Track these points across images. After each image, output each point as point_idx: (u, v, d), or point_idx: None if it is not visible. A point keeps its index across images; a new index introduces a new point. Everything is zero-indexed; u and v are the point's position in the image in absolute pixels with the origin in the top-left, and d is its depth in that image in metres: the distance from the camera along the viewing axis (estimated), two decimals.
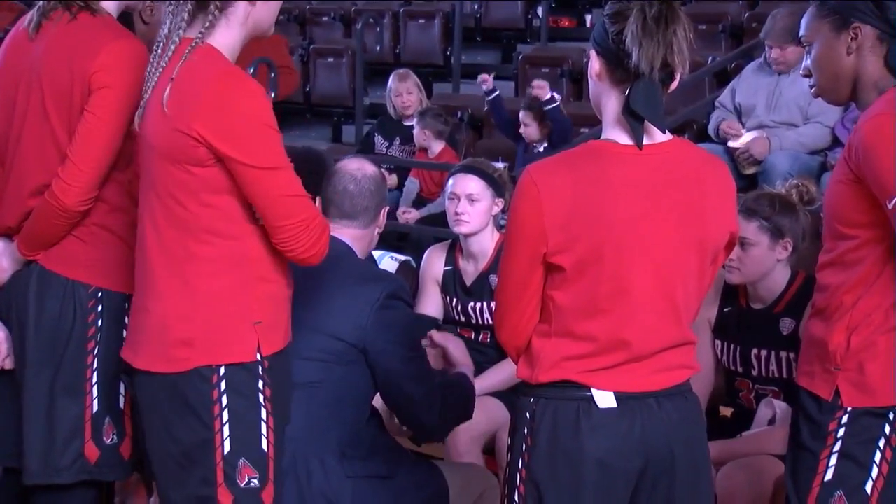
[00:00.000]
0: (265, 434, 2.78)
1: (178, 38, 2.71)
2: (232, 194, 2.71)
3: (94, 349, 3.14)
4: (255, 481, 2.77)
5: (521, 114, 6.94)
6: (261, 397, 2.77)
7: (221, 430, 2.74)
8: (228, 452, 2.75)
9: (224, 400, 2.74)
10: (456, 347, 3.60)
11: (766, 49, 6.18)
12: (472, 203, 4.07)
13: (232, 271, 2.75)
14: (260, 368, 2.77)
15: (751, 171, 6.04)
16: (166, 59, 2.71)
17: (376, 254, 5.07)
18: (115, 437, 3.18)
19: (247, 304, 2.76)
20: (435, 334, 3.62)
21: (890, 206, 2.50)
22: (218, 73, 2.68)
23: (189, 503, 2.80)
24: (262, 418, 2.78)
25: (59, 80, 3.06)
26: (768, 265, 3.59)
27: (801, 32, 2.79)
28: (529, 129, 6.89)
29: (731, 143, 6.16)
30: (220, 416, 2.74)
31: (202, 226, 2.72)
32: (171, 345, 2.75)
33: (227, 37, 2.74)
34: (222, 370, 2.74)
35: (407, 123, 7.56)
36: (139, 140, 2.82)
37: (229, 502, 2.76)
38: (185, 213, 2.72)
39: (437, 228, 6.18)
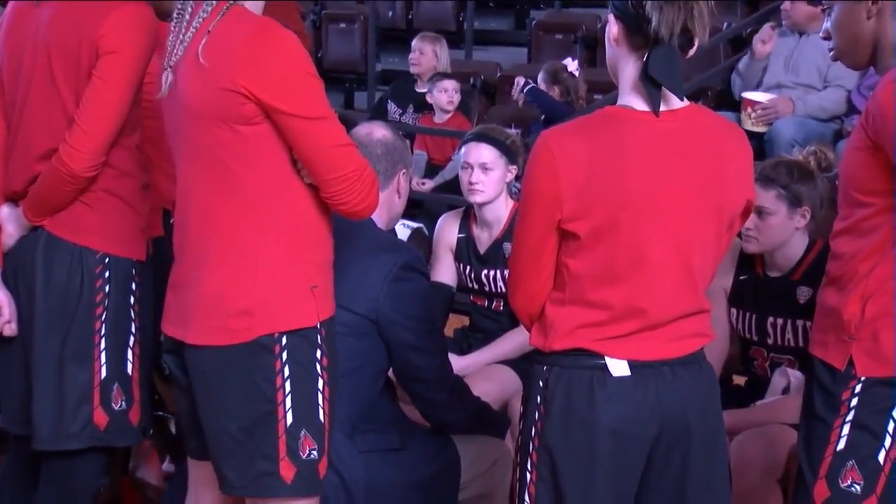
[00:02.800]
0: (321, 404, 2.73)
1: (191, 6, 2.66)
2: (280, 154, 2.65)
3: (101, 315, 3.13)
4: (315, 453, 2.72)
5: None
6: (318, 367, 2.72)
7: (284, 402, 2.68)
8: (291, 424, 2.69)
9: (286, 370, 2.68)
10: None
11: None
12: (485, 172, 4.05)
13: (286, 236, 2.69)
14: (318, 336, 2.71)
15: (759, 129, 5.99)
16: (197, 23, 2.64)
17: None
18: (123, 403, 3.18)
19: (303, 268, 2.71)
20: None
21: None
22: (255, 27, 2.63)
23: (250, 481, 2.73)
24: (319, 388, 2.72)
25: (66, 45, 3.04)
26: (786, 234, 3.56)
27: None
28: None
29: (754, 96, 6.10)
30: (283, 387, 2.68)
31: (252, 190, 2.66)
32: (229, 315, 2.67)
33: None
34: (284, 339, 2.67)
35: (420, 90, 7.53)
36: (168, 108, 2.74)
37: (292, 475, 2.71)
38: (233, 176, 2.66)
39: (451, 196, 6.17)
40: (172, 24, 2.70)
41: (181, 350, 2.77)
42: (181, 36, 2.67)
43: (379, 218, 3.29)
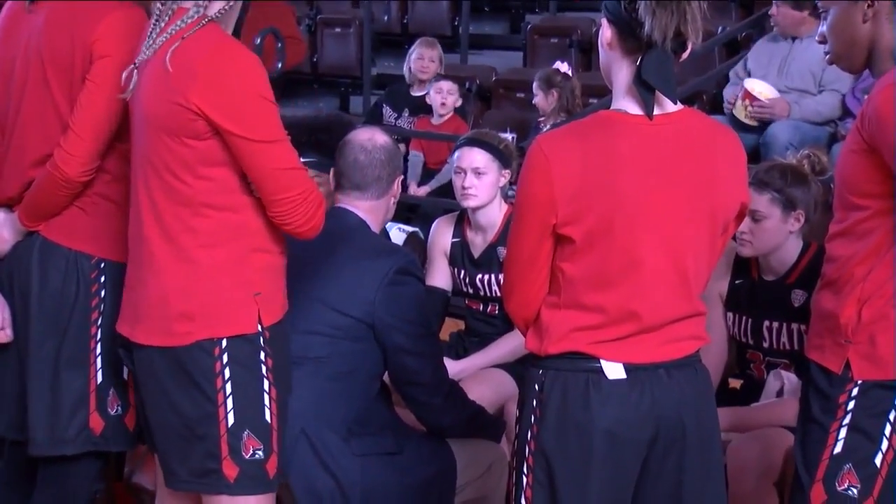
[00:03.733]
0: (268, 405, 2.78)
1: (172, 10, 2.69)
2: (229, 166, 2.70)
3: (97, 320, 3.13)
4: (260, 453, 2.77)
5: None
6: (263, 368, 2.77)
7: (225, 403, 2.73)
8: (233, 424, 2.74)
9: (227, 372, 2.73)
10: None
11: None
12: (478, 176, 4.04)
13: (231, 243, 2.74)
14: (261, 339, 2.76)
15: (750, 122, 5.99)
16: (174, 28, 2.68)
17: None
18: (119, 407, 3.18)
19: (246, 275, 2.76)
20: None
21: None
22: (213, 45, 2.67)
23: (193, 476, 2.80)
24: (264, 389, 2.77)
25: (60, 50, 3.04)
26: (780, 237, 3.56)
27: None
28: (538, 98, 6.84)
29: (755, 86, 6.10)
30: (224, 388, 2.73)
31: (200, 199, 2.71)
32: (171, 318, 2.74)
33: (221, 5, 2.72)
34: (224, 342, 2.73)
35: (416, 94, 7.52)
36: (131, 113, 2.80)
37: (234, 474, 2.76)
38: (182, 186, 2.71)
39: (446, 200, 6.16)
40: (150, 25, 2.73)
41: (131, 347, 2.83)
42: (154, 38, 2.71)
43: (374, 222, 3.30)
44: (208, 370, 2.73)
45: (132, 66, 2.75)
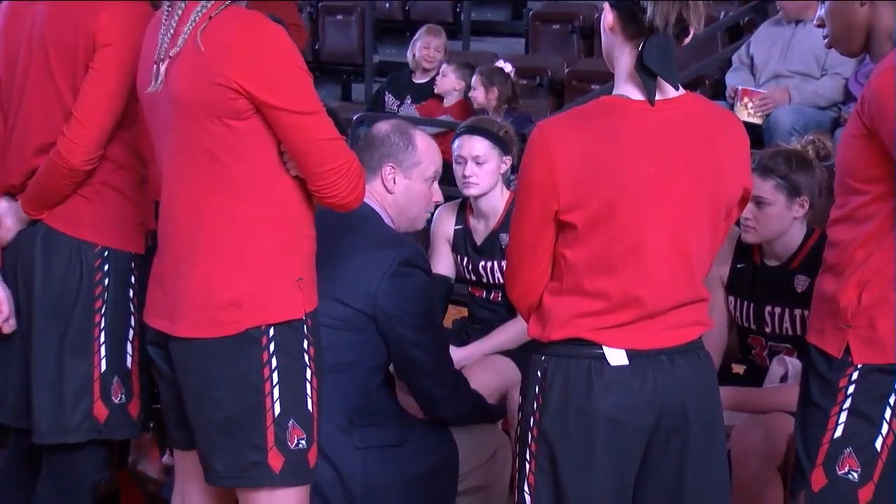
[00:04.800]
0: (310, 394, 2.75)
1: (205, 7, 2.66)
2: (269, 147, 2.67)
3: (101, 308, 3.14)
4: (303, 442, 2.74)
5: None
6: (306, 357, 2.74)
7: (272, 392, 2.69)
8: (279, 414, 2.70)
9: (274, 361, 2.69)
10: None
11: None
12: (479, 165, 4.04)
13: (274, 228, 2.71)
14: (305, 327, 2.74)
15: (755, 120, 5.98)
16: (195, 16, 2.65)
17: None
18: (123, 396, 3.18)
19: (290, 260, 2.73)
20: None
21: None
22: (243, 21, 2.64)
23: (237, 471, 2.74)
24: (307, 378, 2.74)
25: (63, 38, 3.04)
26: (785, 223, 3.56)
27: None
28: (476, 92, 6.80)
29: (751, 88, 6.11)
30: (271, 377, 2.69)
31: (241, 183, 2.68)
32: (218, 308, 2.68)
33: None
34: (271, 331, 2.69)
35: (418, 81, 7.52)
36: (157, 101, 2.74)
37: (280, 465, 2.72)
38: (223, 170, 2.67)
39: (448, 187, 6.15)
40: (163, 17, 2.71)
41: (166, 342, 2.78)
42: (173, 29, 2.68)
43: (389, 214, 3.30)
44: (255, 360, 2.68)
45: (156, 59, 2.70)
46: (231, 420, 2.71)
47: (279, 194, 2.71)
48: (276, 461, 2.72)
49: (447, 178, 5.80)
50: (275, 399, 2.70)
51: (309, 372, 2.74)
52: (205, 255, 2.71)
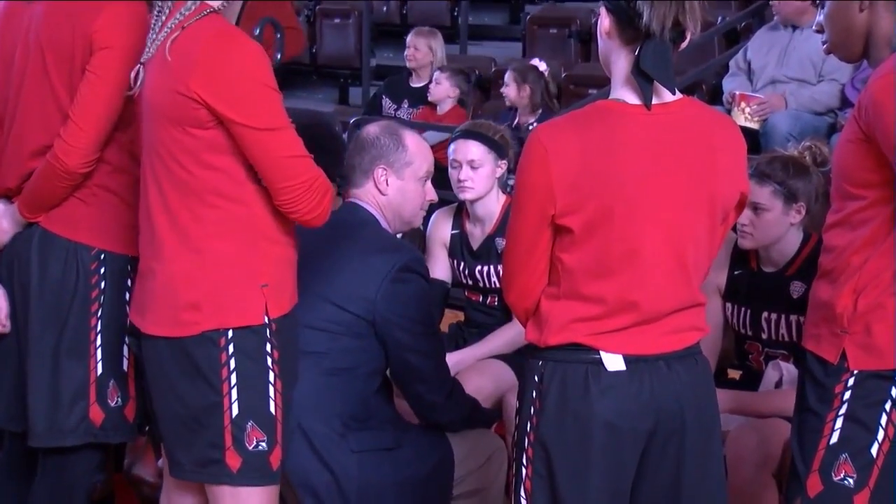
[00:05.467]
0: (273, 397, 2.78)
1: (170, 5, 2.69)
2: (235, 156, 2.70)
3: (97, 311, 3.14)
4: (263, 444, 2.77)
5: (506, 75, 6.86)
6: (269, 360, 2.77)
7: (230, 394, 2.74)
8: (237, 415, 2.74)
9: (232, 363, 2.73)
10: None
11: None
12: (474, 169, 4.04)
13: (238, 233, 2.74)
14: (268, 331, 2.76)
15: (752, 125, 5.99)
16: (173, 22, 2.69)
17: None
18: (119, 399, 3.18)
19: (254, 266, 2.76)
20: None
21: None
22: (213, 34, 2.67)
23: (197, 466, 2.80)
24: (269, 381, 2.77)
25: (60, 40, 3.04)
26: (782, 229, 3.56)
27: None
28: (509, 89, 6.78)
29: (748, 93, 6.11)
30: (229, 379, 2.73)
31: (206, 188, 2.71)
32: (179, 308, 2.74)
33: None
34: (230, 333, 2.73)
35: (415, 85, 7.52)
36: (139, 102, 2.80)
37: (237, 465, 2.76)
38: (189, 175, 2.71)
39: (443, 191, 6.14)
40: (152, 20, 2.73)
41: (138, 336, 2.84)
42: (156, 34, 2.72)
43: (385, 218, 3.30)
44: (214, 361, 2.73)
45: (139, 63, 2.75)
46: (191, 416, 2.77)
47: (245, 201, 2.74)
48: (233, 461, 2.76)
49: (444, 182, 5.80)
50: (232, 400, 2.74)
51: (272, 375, 2.77)
52: (169, 256, 2.75)
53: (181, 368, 2.76)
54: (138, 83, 2.76)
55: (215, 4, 2.73)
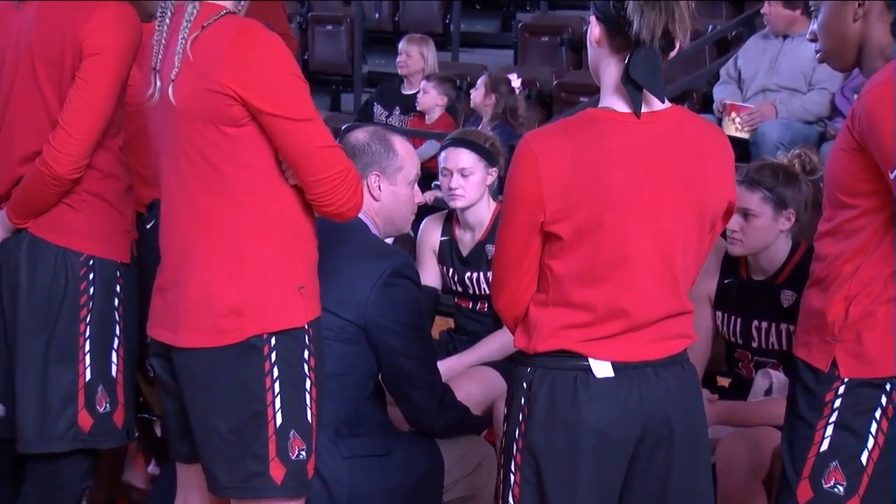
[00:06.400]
0: (309, 405, 2.74)
1: (195, 9, 2.66)
2: (266, 153, 2.66)
3: (86, 317, 3.13)
4: (304, 453, 2.73)
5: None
6: (306, 367, 2.73)
7: (273, 403, 2.68)
8: (281, 425, 2.69)
9: (275, 371, 2.68)
10: None
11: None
12: (464, 177, 4.04)
13: (274, 235, 2.69)
14: (306, 337, 2.72)
15: (742, 135, 6.00)
16: (187, 24, 2.65)
17: None
18: (108, 405, 3.18)
19: (290, 267, 2.71)
20: None
21: (892, 176, 2.48)
22: (237, 29, 2.64)
23: (240, 482, 2.72)
24: (307, 388, 2.73)
25: (49, 47, 3.04)
26: (771, 236, 3.56)
27: None
28: (477, 93, 6.76)
29: (738, 102, 6.13)
30: (272, 387, 2.68)
31: (240, 188, 2.67)
32: (218, 316, 2.67)
33: None
34: (273, 340, 2.68)
35: (406, 92, 7.53)
36: (157, 109, 2.73)
37: (281, 476, 2.71)
38: (221, 176, 2.66)
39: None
40: (156, 24, 2.71)
41: (168, 353, 2.76)
42: (164, 37, 2.68)
43: (375, 223, 3.29)
44: (258, 368, 2.67)
45: (152, 69, 2.70)
46: (233, 430, 2.70)
47: (278, 200, 2.70)
48: (277, 472, 2.71)
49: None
50: (276, 409, 2.69)
51: (308, 382, 2.73)
52: (203, 262, 2.69)
53: (222, 379, 2.69)
54: (155, 91, 2.69)
55: (229, 5, 2.70)
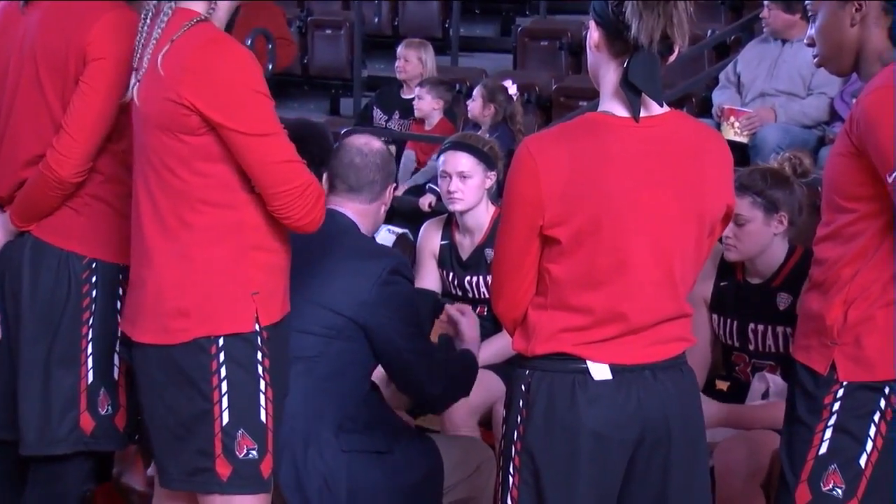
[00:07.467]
0: (264, 405, 2.78)
1: (170, 10, 2.70)
2: (226, 163, 2.71)
3: (88, 320, 3.14)
4: (254, 452, 2.78)
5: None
6: (259, 368, 2.77)
7: (220, 401, 2.74)
8: (227, 423, 2.75)
9: (223, 371, 2.73)
10: (468, 324, 3.55)
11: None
12: (463, 180, 4.05)
13: (228, 240, 2.74)
14: (259, 339, 2.76)
15: (741, 139, 6.00)
16: (159, 29, 2.70)
17: None
18: (109, 407, 3.19)
19: (243, 273, 2.75)
20: (450, 308, 3.58)
21: (890, 180, 2.49)
22: (204, 41, 2.68)
23: (186, 475, 2.80)
24: (260, 389, 2.77)
25: (53, 51, 3.05)
26: (765, 240, 3.57)
27: (807, 0, 2.78)
28: (475, 104, 6.77)
29: (737, 107, 6.13)
30: (219, 387, 2.73)
31: (196, 195, 2.72)
32: (168, 315, 2.74)
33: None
34: (221, 341, 2.73)
35: (406, 96, 7.53)
36: (132, 110, 2.81)
37: (228, 473, 2.76)
38: (179, 182, 2.72)
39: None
40: (139, 26, 2.74)
41: (130, 345, 2.84)
42: (143, 38, 2.73)
43: (364, 226, 3.31)
44: (204, 368, 2.73)
45: (133, 71, 2.76)
46: (181, 425, 2.77)
47: (237, 208, 2.74)
48: (223, 469, 2.76)
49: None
50: (223, 408, 2.74)
51: (263, 383, 2.77)
52: (159, 264, 2.76)
53: (170, 376, 2.76)
54: (131, 91, 2.76)
55: (200, 8, 2.73)
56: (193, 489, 2.83)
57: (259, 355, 2.77)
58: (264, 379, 2.78)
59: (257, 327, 2.76)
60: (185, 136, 2.68)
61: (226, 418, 2.75)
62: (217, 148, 2.69)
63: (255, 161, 2.69)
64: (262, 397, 2.78)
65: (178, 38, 2.68)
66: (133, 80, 2.76)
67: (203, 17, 2.72)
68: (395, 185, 3.40)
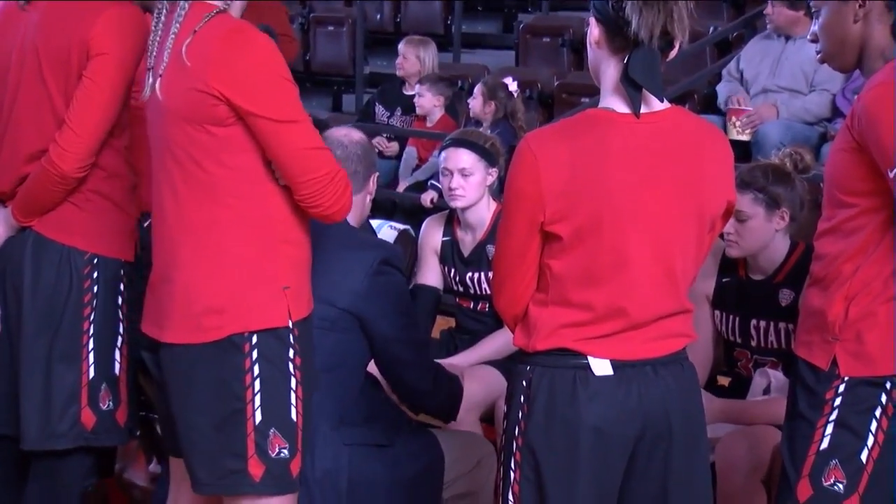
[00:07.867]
0: (294, 403, 2.74)
1: (187, 4, 2.69)
2: (252, 154, 2.68)
3: (90, 315, 3.15)
4: (285, 451, 2.74)
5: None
6: (290, 366, 2.74)
7: (253, 400, 2.70)
8: (260, 422, 2.71)
9: (256, 369, 2.70)
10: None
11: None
12: (465, 177, 4.05)
13: (256, 234, 2.71)
14: (291, 336, 2.73)
15: (744, 137, 6.00)
16: (177, 24, 2.68)
17: (374, 223, 5.06)
18: (110, 403, 3.19)
19: (274, 268, 2.72)
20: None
21: (891, 175, 2.49)
22: (227, 30, 2.66)
23: (218, 479, 2.75)
24: (292, 387, 2.74)
25: (56, 46, 3.05)
26: (766, 237, 3.57)
27: None
28: (475, 102, 6.76)
29: (739, 105, 6.13)
30: (252, 385, 2.70)
31: (224, 188, 2.69)
32: (200, 314, 2.70)
33: None
34: (254, 338, 2.70)
35: (407, 93, 7.53)
36: (149, 106, 2.77)
37: (260, 473, 2.73)
38: (206, 175, 2.69)
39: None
40: (152, 24, 2.72)
41: (158, 348, 2.79)
42: (159, 36, 2.70)
43: (352, 218, 3.31)
44: (238, 367, 2.69)
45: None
46: (213, 426, 2.72)
47: (263, 202, 2.72)
48: (256, 469, 2.72)
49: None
50: (256, 407, 2.71)
51: (294, 381, 2.74)
52: (187, 261, 2.72)
53: (203, 376, 2.71)
54: (147, 88, 2.72)
55: (219, 4, 2.72)
56: (225, 492, 2.78)
57: (290, 352, 2.73)
58: (295, 377, 2.74)
59: (290, 323, 2.73)
60: (213, 127, 2.65)
61: (258, 417, 2.70)
62: (244, 139, 2.66)
63: (285, 149, 2.66)
64: (293, 395, 2.74)
65: (201, 28, 2.65)
66: (150, 79, 2.72)
67: (222, 9, 2.71)
68: (377, 174, 3.37)
